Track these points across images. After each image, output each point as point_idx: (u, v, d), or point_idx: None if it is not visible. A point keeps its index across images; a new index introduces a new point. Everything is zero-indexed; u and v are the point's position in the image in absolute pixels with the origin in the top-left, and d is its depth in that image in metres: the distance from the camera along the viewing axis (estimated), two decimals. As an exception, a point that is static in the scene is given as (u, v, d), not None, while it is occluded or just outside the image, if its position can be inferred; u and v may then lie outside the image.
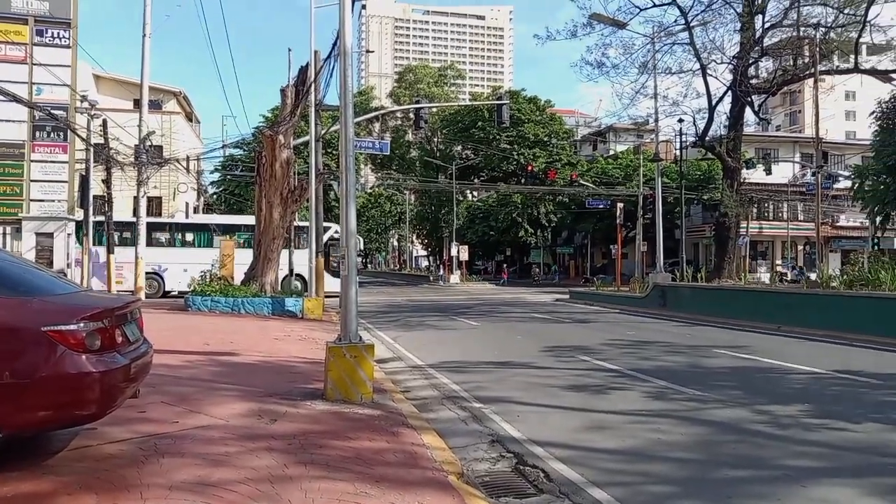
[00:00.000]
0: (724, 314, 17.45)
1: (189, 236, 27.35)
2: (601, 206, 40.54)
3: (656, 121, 24.89)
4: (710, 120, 25.13)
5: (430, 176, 56.29)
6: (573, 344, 12.52)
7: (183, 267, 24.99)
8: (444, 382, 8.71)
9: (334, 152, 42.24)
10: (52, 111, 21.69)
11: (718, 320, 17.11)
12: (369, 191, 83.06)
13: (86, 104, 21.81)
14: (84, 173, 22.43)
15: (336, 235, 29.65)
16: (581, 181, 43.19)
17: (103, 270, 22.34)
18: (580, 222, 48.10)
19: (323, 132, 21.65)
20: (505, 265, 54.51)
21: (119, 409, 4.96)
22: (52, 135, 29.12)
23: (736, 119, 24.89)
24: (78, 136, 22.64)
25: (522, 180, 51.44)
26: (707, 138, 25.65)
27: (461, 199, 57.77)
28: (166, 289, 25.88)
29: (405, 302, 26.85)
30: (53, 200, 28.97)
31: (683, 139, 28.22)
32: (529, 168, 44.99)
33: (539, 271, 51.52)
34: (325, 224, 29.77)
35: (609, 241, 43.29)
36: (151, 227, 24.98)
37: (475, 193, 65.53)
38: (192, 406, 6.47)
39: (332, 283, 26.26)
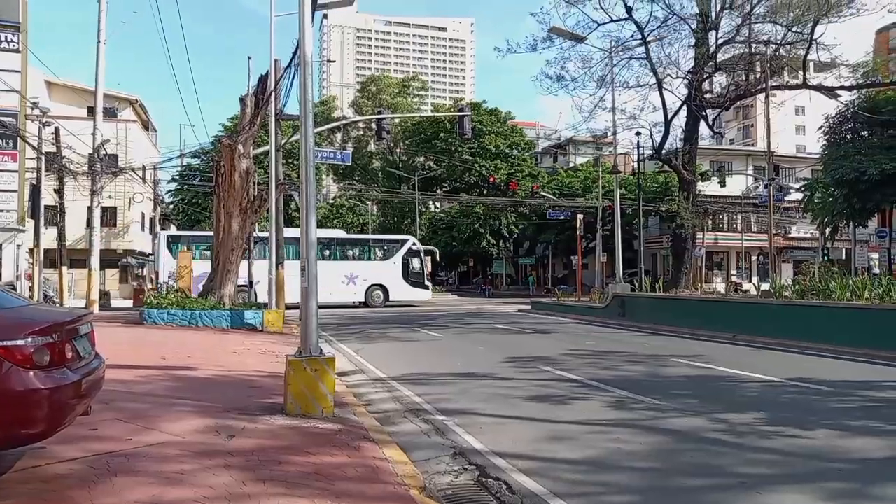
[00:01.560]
0: (682, 324, 17.78)
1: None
2: (562, 218, 41.08)
3: (614, 134, 25.37)
4: (667, 133, 25.72)
5: (392, 186, 56.26)
6: (535, 354, 12.59)
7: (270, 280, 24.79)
8: (407, 395, 8.67)
9: (295, 162, 41.84)
10: (1, 118, 21.01)
11: (676, 330, 17.42)
12: (331, 201, 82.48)
13: (37, 111, 21.20)
14: (35, 182, 21.76)
15: (414, 247, 32.24)
16: (542, 192, 43.74)
17: (194, 284, 22.28)
18: (542, 233, 48.65)
19: (283, 142, 21.46)
20: (485, 276, 54.47)
21: (70, 426, 4.79)
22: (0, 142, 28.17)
23: (691, 132, 25.51)
24: (28, 143, 21.97)
25: (484, 191, 51.83)
26: (663, 151, 26.21)
27: (423, 209, 57.88)
28: (258, 300, 25.21)
29: (368, 314, 26.70)
30: (2, 210, 27.99)
31: (641, 152, 28.83)
32: (491, 179, 45.45)
33: (501, 282, 51.85)
34: (403, 237, 33.76)
35: (570, 251, 43.91)
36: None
37: (437, 204, 65.73)
38: (147, 422, 6.29)
39: (409, 293, 31.22)
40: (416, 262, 31.98)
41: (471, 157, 50.34)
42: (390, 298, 31.25)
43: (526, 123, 71.37)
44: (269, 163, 19.15)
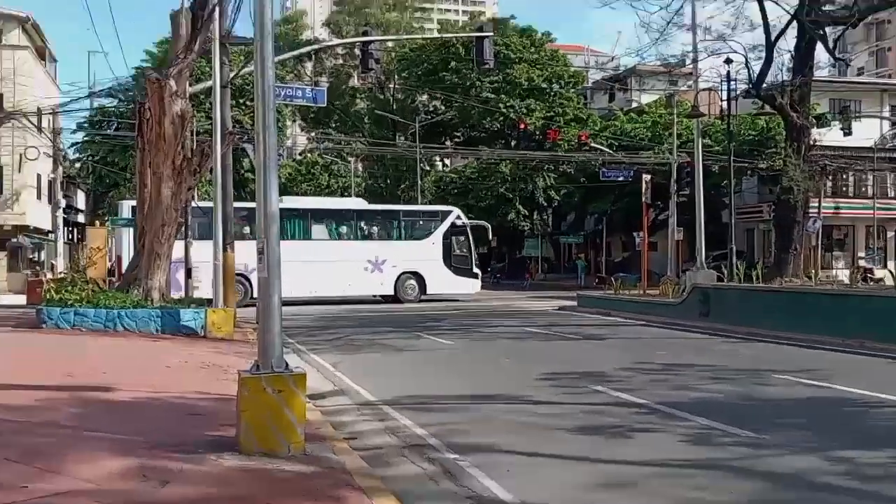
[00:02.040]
0: (789, 326, 17.74)
1: (281, 226, 27.25)
2: (620, 179, 40.91)
3: (695, 62, 25.20)
4: (769, 61, 25.48)
5: (384, 137, 56.23)
6: (583, 369, 12.61)
7: None
8: (405, 425, 8.70)
9: (249, 104, 41.80)
10: None
11: (781, 335, 17.38)
12: (298, 157, 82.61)
13: None
14: None
15: (459, 222, 33.28)
16: (593, 144, 43.55)
17: (172, 272, 21.68)
18: (592, 201, 48.55)
19: (232, 76, 21.40)
20: (529, 262, 54.24)
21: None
22: None
23: (803, 60, 25.27)
24: None
25: (512, 143, 51.69)
26: (764, 86, 25.98)
27: (427, 168, 57.87)
28: (254, 294, 26.18)
29: (350, 313, 26.81)
30: None
31: (732, 87, 28.58)
32: (522, 126, 45.21)
33: (535, 268, 51.89)
34: (444, 208, 35.27)
35: (632, 226, 43.71)
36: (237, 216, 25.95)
37: (447, 161, 65.65)
38: (48, 463, 6.35)
39: (452, 283, 32.34)
40: (461, 242, 33.08)
41: (493, 96, 50.19)
42: (428, 290, 32.30)
43: (571, 48, 70.79)
44: (213, 105, 19.12)
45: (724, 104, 31.97)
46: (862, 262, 43.11)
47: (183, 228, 20.50)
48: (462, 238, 33.20)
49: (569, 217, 57.88)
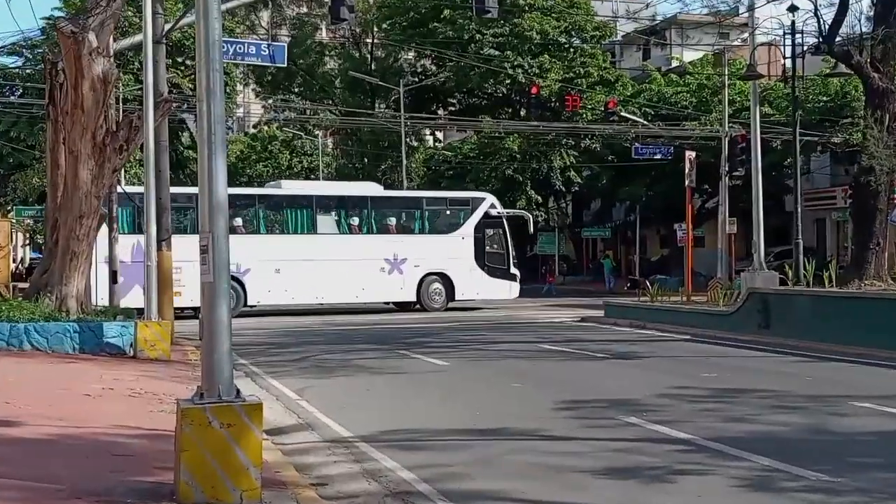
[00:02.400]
0: (870, 341, 17.73)
1: (279, 217, 31.99)
2: (658, 157, 40.99)
3: (751, 9, 25.18)
4: (844, 8, 25.55)
5: (360, 104, 56.19)
6: (610, 396, 12.63)
7: (274, 266, 29.91)
8: (388, 467, 8.69)
9: (190, 63, 41.69)
10: None
11: (861, 351, 17.38)
12: (252, 131, 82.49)
13: None
14: None
15: (493, 211, 34.21)
16: (623, 113, 43.56)
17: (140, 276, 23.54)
18: (622, 185, 48.55)
19: (168, 28, 21.33)
20: (549, 263, 53.95)
21: None
22: None
23: (887, 6, 25.31)
24: None
25: (522, 112, 51.64)
26: (838, 39, 26.02)
27: (415, 144, 57.85)
28: (248, 301, 29.98)
29: (319, 325, 26.79)
30: None
31: (798, 41, 28.61)
32: (534, 90, 45.14)
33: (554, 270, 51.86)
34: (476, 194, 36.35)
35: (672, 216, 43.75)
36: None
37: (439, 135, 65.60)
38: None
39: (486, 286, 33.23)
40: (496, 236, 33.93)
41: (497, 53, 50.15)
42: (457, 295, 33.20)
43: (594, -8, 70.93)
44: (144, 65, 19.07)
45: (788, 63, 32.01)
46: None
47: (108, 220, 20.47)
48: (497, 231, 33.91)
49: (593, 205, 57.86)
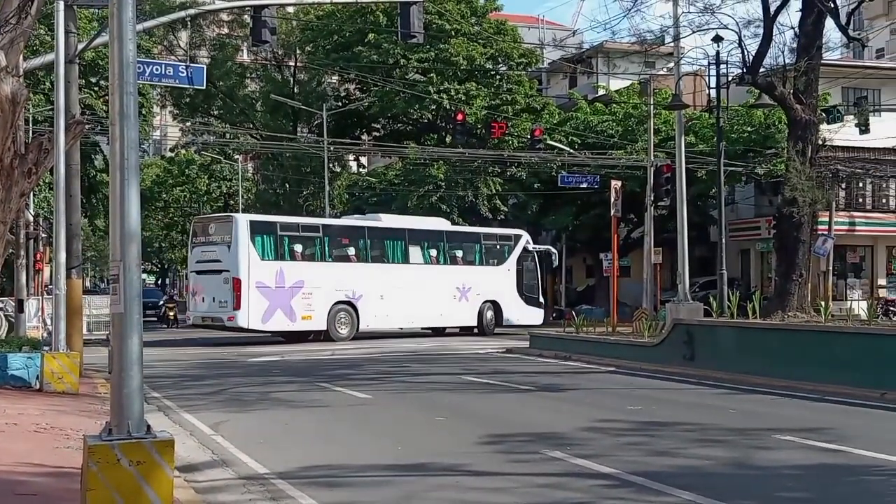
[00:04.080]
0: (793, 373, 18.02)
1: (381, 247, 35.83)
2: (584, 186, 41.38)
3: (676, 39, 25.64)
4: (768, 39, 26.11)
5: (282, 128, 55.89)
6: (535, 429, 12.66)
7: (379, 293, 33.86)
8: (306, 506, 8.63)
9: (104, 84, 41.11)
10: None
11: (783, 384, 17.67)
12: (169, 154, 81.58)
13: None
14: None
15: (529, 247, 39.81)
16: (549, 141, 44.00)
17: (285, 299, 31.78)
18: (548, 213, 48.91)
19: (81, 47, 21.02)
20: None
21: None
22: None
23: (810, 39, 25.93)
24: None
25: (447, 138, 51.81)
26: (762, 70, 26.58)
27: (338, 170, 57.67)
28: (361, 326, 33.74)
29: (236, 358, 26.50)
30: None
31: (722, 72, 29.25)
32: (459, 117, 45.34)
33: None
34: (515, 231, 41.20)
35: (598, 246, 44.24)
36: (338, 232, 35.33)
37: (363, 161, 65.51)
38: None
39: (523, 313, 38.51)
40: (531, 269, 39.64)
41: (423, 78, 50.30)
42: (504, 320, 38.29)
43: (521, 19, 71.66)
44: (56, 85, 18.77)
45: (713, 93, 32.67)
46: (883, 292, 44.14)
47: (13, 249, 20.05)
48: (531, 264, 39.43)
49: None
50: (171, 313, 45.32)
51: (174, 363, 24.34)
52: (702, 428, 12.80)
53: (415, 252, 36.67)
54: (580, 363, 23.82)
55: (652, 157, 37.67)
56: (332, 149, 48.89)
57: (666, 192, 33.15)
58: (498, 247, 39.45)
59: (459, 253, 38.32)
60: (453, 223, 49.78)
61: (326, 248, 34.24)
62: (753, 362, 19.34)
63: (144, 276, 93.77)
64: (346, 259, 34.39)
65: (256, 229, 32.15)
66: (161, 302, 48.89)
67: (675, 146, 28.25)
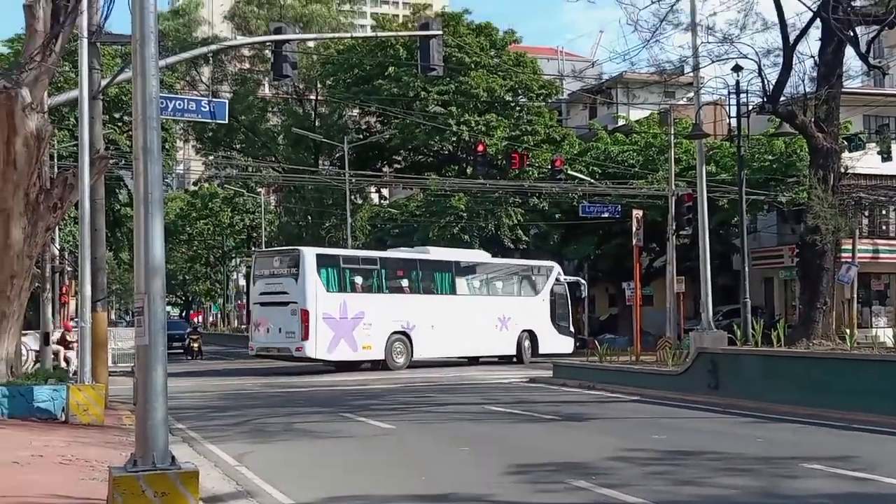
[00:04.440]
0: (819, 402, 17.89)
1: (431, 279, 37.46)
2: (605, 216, 41.42)
3: (696, 69, 25.65)
4: (787, 68, 26.05)
5: (303, 161, 56.23)
6: (560, 459, 12.62)
7: (430, 323, 35.31)
8: (331, 537, 8.60)
9: (127, 119, 41.53)
10: None
11: (809, 412, 17.54)
12: (192, 188, 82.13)
13: None
14: None
15: (561, 278, 41.11)
16: (570, 171, 44.06)
17: (349, 329, 33.11)
18: (570, 244, 48.95)
19: (104, 84, 21.23)
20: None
21: None
22: None
23: (830, 67, 25.88)
24: None
25: (468, 170, 51.95)
26: (782, 99, 26.52)
27: (359, 202, 57.91)
28: (415, 355, 35.12)
29: (260, 389, 26.53)
30: None
31: (742, 101, 29.21)
32: (479, 149, 45.49)
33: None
34: (548, 263, 42.24)
35: (620, 275, 44.15)
36: (393, 265, 36.67)
37: (384, 192, 65.76)
38: None
39: (556, 342, 39.63)
40: (563, 299, 40.84)
41: (443, 111, 50.57)
42: (540, 349, 39.11)
43: (540, 51, 71.95)
44: (80, 121, 18.92)
45: (734, 122, 32.63)
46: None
47: (39, 282, 20.20)
48: (563, 294, 40.55)
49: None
50: (196, 345, 45.40)
51: (198, 394, 24.38)
52: (728, 457, 12.72)
53: (461, 283, 38.18)
54: (604, 392, 23.77)
55: (673, 187, 37.68)
56: (353, 181, 49.14)
57: (688, 220, 33.13)
58: (533, 278, 40.72)
59: (500, 284, 40.10)
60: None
61: (384, 280, 35.51)
62: (779, 391, 19.24)
63: (169, 308, 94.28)
64: (401, 290, 35.83)
65: (322, 262, 33.40)
66: (185, 333, 49.05)
67: (696, 175, 28.24)
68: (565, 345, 39.91)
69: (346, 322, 32.83)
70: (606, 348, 28.74)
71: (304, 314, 31.68)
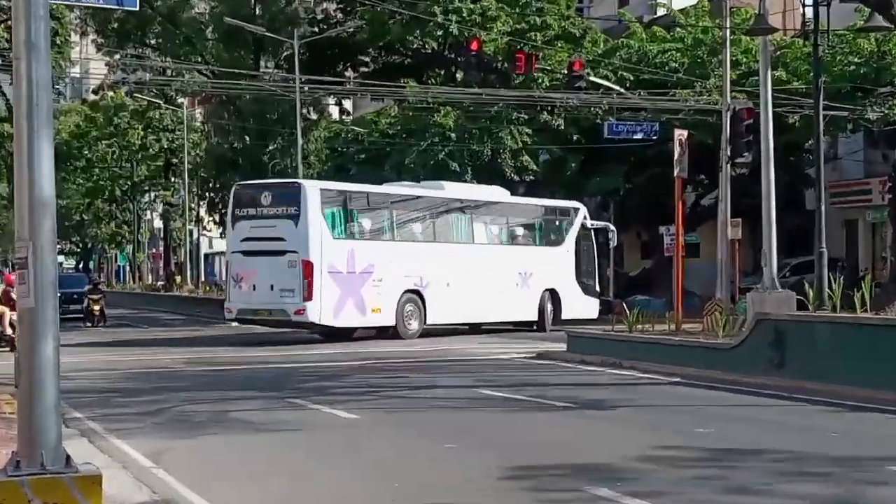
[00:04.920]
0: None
1: (446, 224, 37.90)
2: (638, 137, 41.27)
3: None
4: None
5: (239, 63, 55.81)
6: (575, 460, 12.69)
7: (445, 280, 35.75)
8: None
9: (5, 4, 41.02)
10: None
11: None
12: (92, 97, 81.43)
13: None
14: None
15: (587, 223, 41.79)
16: (593, 78, 43.77)
17: (357, 288, 33.24)
18: (591, 174, 48.73)
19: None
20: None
21: None
22: None
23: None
24: None
25: (458, 75, 51.62)
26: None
27: (314, 117, 57.61)
28: (428, 319, 35.65)
29: (184, 366, 26.60)
30: None
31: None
32: (474, 46, 45.18)
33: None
34: (572, 203, 42.80)
35: (657, 216, 44.13)
36: (405, 204, 36.95)
37: (347, 105, 65.35)
38: None
39: (580, 305, 40.16)
40: (588, 250, 41.60)
41: (425, -2, 50.10)
42: (563, 314, 39.73)
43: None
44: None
45: (808, 12, 32.53)
46: None
47: None
48: (589, 244, 41.46)
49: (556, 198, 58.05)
50: (97, 307, 45.26)
51: (102, 373, 24.32)
52: (794, 457, 12.74)
53: (479, 230, 38.83)
54: (634, 371, 23.81)
55: (728, 99, 37.42)
56: (306, 89, 48.86)
57: (747, 144, 32.96)
58: (557, 222, 41.58)
59: (520, 231, 40.81)
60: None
61: (394, 225, 35.78)
62: (863, 370, 19.21)
63: (61, 258, 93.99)
64: (412, 238, 36.55)
65: (326, 200, 33.52)
66: (84, 292, 48.74)
67: (758, 83, 28.14)
68: (591, 308, 40.45)
69: (353, 278, 33.01)
70: (638, 314, 28.68)
71: (307, 267, 31.70)
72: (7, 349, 27.59)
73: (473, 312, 37.42)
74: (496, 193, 41.19)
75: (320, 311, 31.87)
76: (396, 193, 37.44)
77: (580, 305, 40.02)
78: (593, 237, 41.39)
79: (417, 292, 35.06)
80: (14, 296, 27.60)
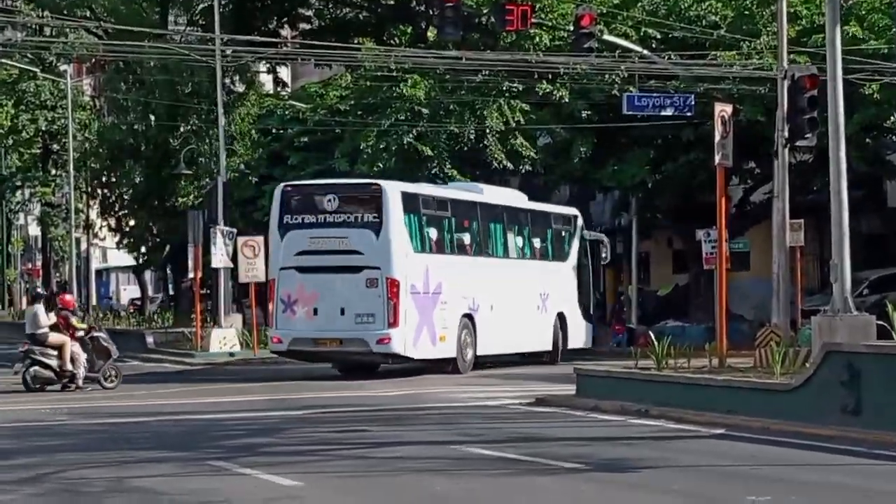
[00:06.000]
0: None
1: (486, 234, 40.09)
2: (668, 114, 41.37)
3: None
4: None
5: (141, 19, 55.88)
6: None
7: (489, 302, 37.92)
8: None
9: None
10: None
11: None
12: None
13: None
14: None
15: (585, 234, 44.62)
16: (607, 36, 43.84)
17: (430, 311, 34.75)
18: (607, 162, 48.78)
19: None
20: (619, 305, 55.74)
21: None
22: None
23: None
24: None
25: (428, 33, 51.73)
26: None
27: (240, 88, 57.72)
28: (479, 349, 37.43)
29: (66, 418, 26.65)
30: None
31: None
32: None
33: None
34: (570, 210, 45.97)
35: (693, 217, 44.31)
36: (463, 211, 38.86)
37: (283, 75, 65.44)
38: None
39: (583, 332, 43.77)
40: (586, 266, 44.37)
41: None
42: (569, 342, 42.63)
43: None
44: None
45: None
46: None
47: None
48: (586, 259, 44.37)
49: (556, 196, 58.04)
50: None
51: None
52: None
53: (511, 242, 41.21)
54: (664, 422, 23.88)
55: (785, 63, 37.60)
56: (228, 53, 48.92)
57: (810, 122, 33.09)
58: (563, 233, 44.09)
59: (538, 243, 42.85)
60: (442, 178, 49.76)
61: (454, 236, 37.21)
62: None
63: None
64: (465, 251, 37.60)
65: (407, 206, 34.99)
66: None
67: (825, 43, 28.23)
68: (588, 336, 43.87)
69: (427, 300, 34.20)
70: (669, 345, 28.62)
71: (393, 286, 32.65)
72: (65, 386, 28.07)
73: (513, 340, 39.14)
74: (515, 197, 42.53)
75: (404, 339, 32.95)
76: (457, 199, 38.55)
77: (581, 332, 42.79)
78: (590, 251, 43.98)
79: (471, 317, 36.62)
80: (75, 321, 27.89)
